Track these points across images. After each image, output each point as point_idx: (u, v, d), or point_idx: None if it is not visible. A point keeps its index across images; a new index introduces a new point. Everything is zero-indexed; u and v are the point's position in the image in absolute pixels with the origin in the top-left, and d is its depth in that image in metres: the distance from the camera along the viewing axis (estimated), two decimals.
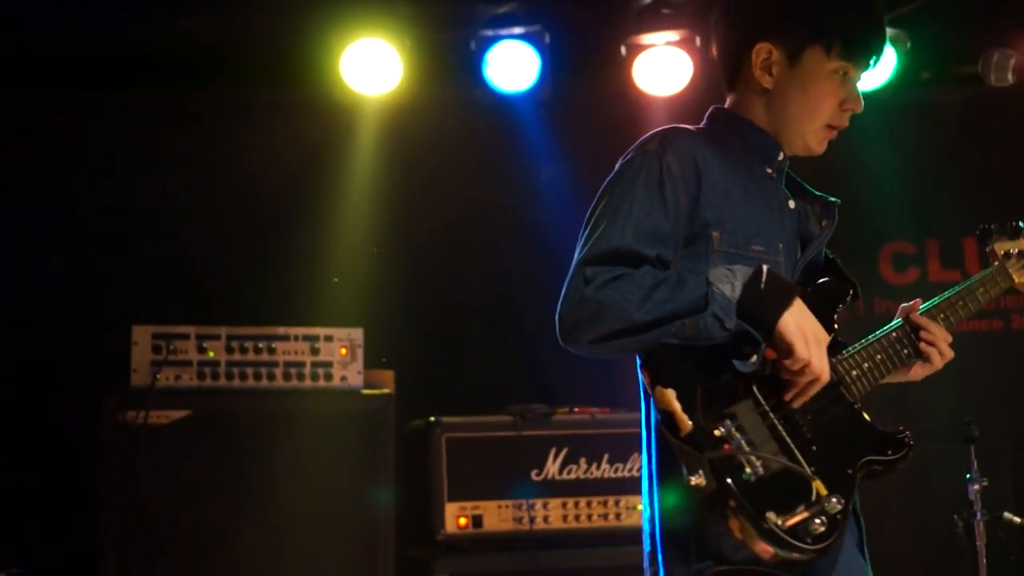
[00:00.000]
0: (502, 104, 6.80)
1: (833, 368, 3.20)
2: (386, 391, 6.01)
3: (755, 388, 3.14)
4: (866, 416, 3.29)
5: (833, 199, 3.48)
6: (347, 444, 5.86)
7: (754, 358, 3.08)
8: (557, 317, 3.13)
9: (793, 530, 2.96)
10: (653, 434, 3.15)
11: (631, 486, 6.08)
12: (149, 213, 6.72)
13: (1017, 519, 5.65)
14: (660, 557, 3.16)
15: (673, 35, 6.62)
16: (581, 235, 3.22)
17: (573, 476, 6.06)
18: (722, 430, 3.03)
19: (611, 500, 6.08)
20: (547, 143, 7.10)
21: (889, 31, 6.45)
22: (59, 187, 6.64)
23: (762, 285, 3.08)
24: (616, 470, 6.10)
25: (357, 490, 5.84)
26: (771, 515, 2.95)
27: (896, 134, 7.05)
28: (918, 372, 3.50)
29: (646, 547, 3.24)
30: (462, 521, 5.92)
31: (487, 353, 7.11)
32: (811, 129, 3.38)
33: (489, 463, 6.00)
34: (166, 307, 6.18)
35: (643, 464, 3.24)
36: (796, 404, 3.15)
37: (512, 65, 6.61)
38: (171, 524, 5.62)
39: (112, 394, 5.67)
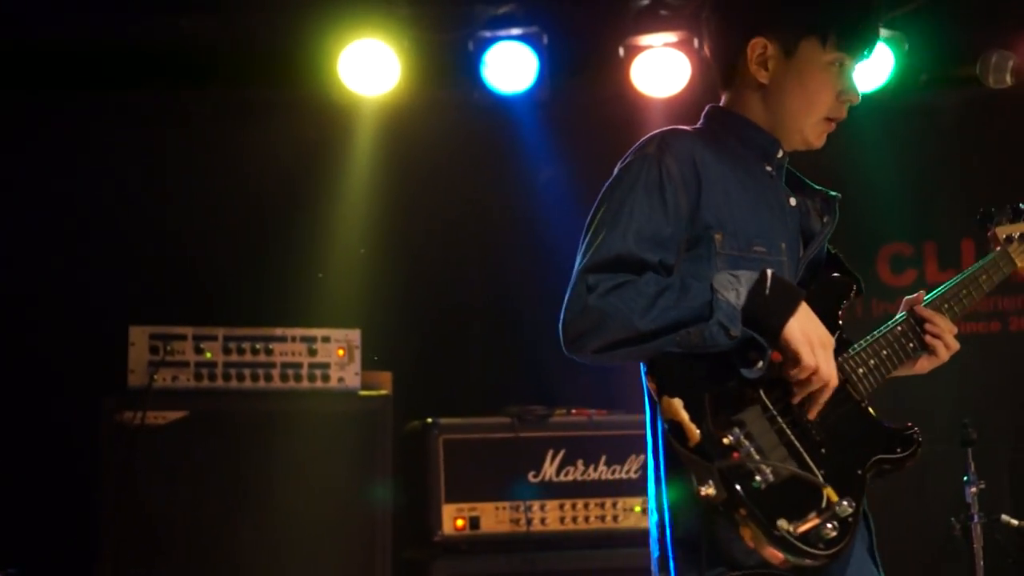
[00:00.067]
0: (500, 105, 6.80)
1: (839, 367, 3.18)
2: (383, 392, 6.00)
3: (762, 392, 3.11)
4: (874, 414, 3.27)
5: (833, 193, 3.45)
6: (344, 445, 5.85)
7: (760, 364, 3.05)
8: (560, 326, 3.10)
9: (805, 536, 2.94)
10: (660, 440, 3.12)
11: (628, 488, 6.08)
12: (147, 213, 6.72)
13: (1014, 521, 5.64)
14: (672, 563, 3.14)
15: (671, 36, 6.62)
16: (581, 242, 3.19)
17: (570, 478, 6.06)
18: (731, 438, 3.00)
19: (608, 502, 6.07)
20: (545, 144, 7.10)
21: (887, 32, 6.50)
22: (56, 187, 6.64)
23: (767, 291, 3.05)
24: (613, 472, 6.09)
25: (354, 491, 5.83)
26: (782, 522, 2.92)
27: (894, 136, 7.05)
28: (924, 365, 3.46)
29: (654, 552, 3.22)
30: (459, 522, 5.91)
31: (485, 354, 7.11)
32: (810, 123, 3.35)
33: (486, 464, 5.99)
34: (163, 308, 6.18)
35: (649, 468, 3.22)
36: (811, 415, 3.12)
37: (510, 66, 6.60)
38: (168, 525, 5.62)
39: (109, 395, 5.66)
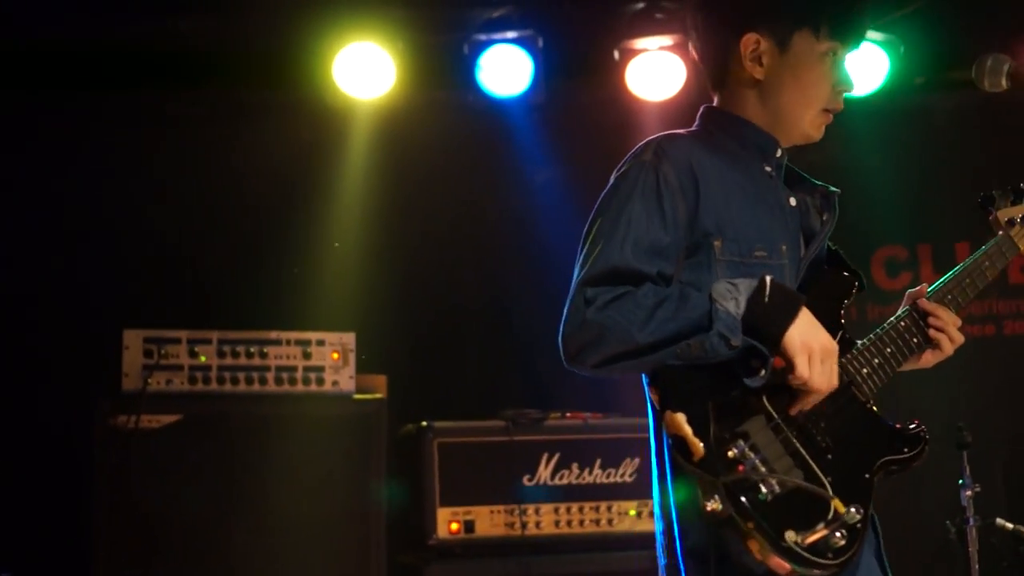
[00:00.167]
0: (495, 108, 6.80)
1: (843, 368, 3.16)
2: (378, 396, 6.00)
3: (766, 400, 3.08)
4: (879, 414, 3.25)
5: (833, 189, 3.42)
6: (339, 449, 5.84)
7: (763, 372, 3.03)
8: (560, 341, 3.08)
9: (814, 547, 2.92)
10: (666, 451, 3.08)
11: (623, 491, 6.07)
12: (141, 216, 6.70)
13: (1009, 525, 5.64)
14: (682, 572, 3.12)
15: (666, 40, 6.62)
16: (579, 253, 3.16)
17: (565, 481, 6.05)
18: (735, 451, 2.98)
19: (603, 505, 6.06)
20: (540, 147, 7.09)
21: (883, 36, 6.50)
22: (51, 188, 6.62)
23: (766, 298, 3.03)
24: (608, 475, 6.08)
25: (349, 495, 5.83)
26: (790, 534, 2.91)
27: (889, 139, 7.05)
28: (928, 359, 3.44)
29: (663, 560, 3.20)
30: (454, 526, 5.90)
31: (480, 358, 7.11)
32: (808, 116, 3.33)
33: (481, 468, 5.98)
34: (158, 311, 6.17)
35: (653, 475, 3.19)
36: (792, 412, 3.10)
37: (505, 69, 6.60)
38: (163, 529, 5.61)
39: (103, 398, 5.65)
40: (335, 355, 5.93)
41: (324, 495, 5.79)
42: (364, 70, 6.49)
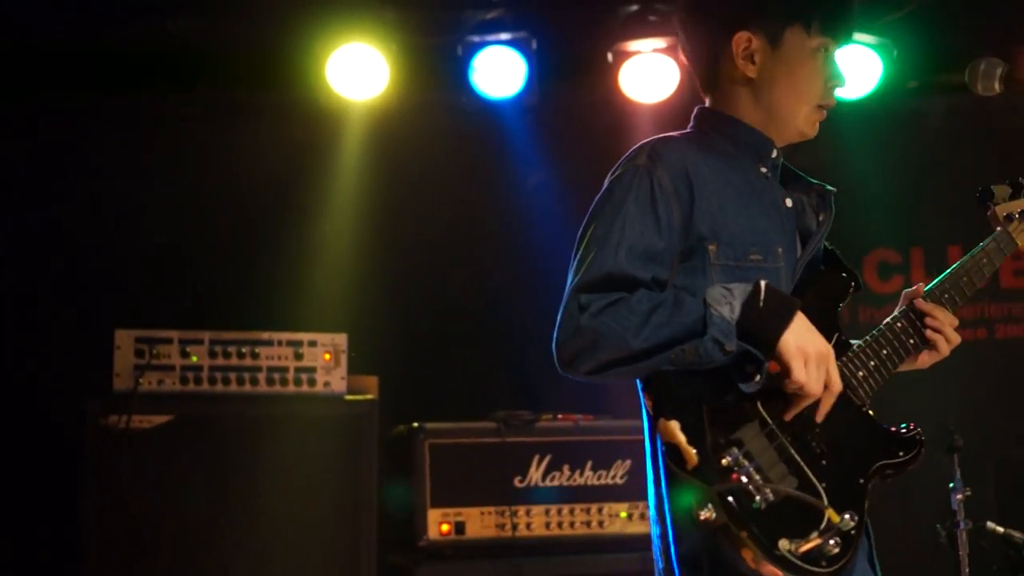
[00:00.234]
0: (488, 110, 6.80)
1: (838, 371, 3.14)
2: (370, 397, 5.99)
3: (760, 406, 3.07)
4: (875, 418, 3.24)
5: (830, 188, 3.40)
6: (330, 450, 5.84)
7: (758, 378, 3.02)
8: (554, 347, 3.07)
9: (807, 556, 2.92)
10: (660, 458, 3.07)
11: (614, 493, 6.07)
12: (133, 216, 6.70)
13: (1000, 529, 5.64)
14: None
15: (660, 42, 6.61)
16: (573, 258, 3.15)
17: (556, 483, 6.05)
18: (729, 459, 2.97)
19: (594, 507, 6.06)
20: (533, 149, 7.10)
21: (876, 39, 6.50)
22: (42, 189, 6.62)
23: (761, 303, 3.02)
24: (599, 477, 6.08)
25: (340, 496, 5.83)
26: (784, 542, 2.90)
27: (882, 143, 7.05)
28: (925, 360, 3.42)
29: (659, 563, 3.18)
30: (444, 527, 5.90)
31: (471, 359, 7.10)
32: (803, 112, 3.32)
33: (472, 469, 5.98)
34: (149, 311, 6.16)
35: (648, 479, 3.18)
36: (817, 418, 3.09)
37: (499, 71, 6.60)
38: (153, 529, 5.60)
39: (94, 398, 5.64)
40: (327, 356, 5.92)
41: (315, 496, 5.79)
42: (358, 71, 6.48)
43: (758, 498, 2.95)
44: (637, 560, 5.78)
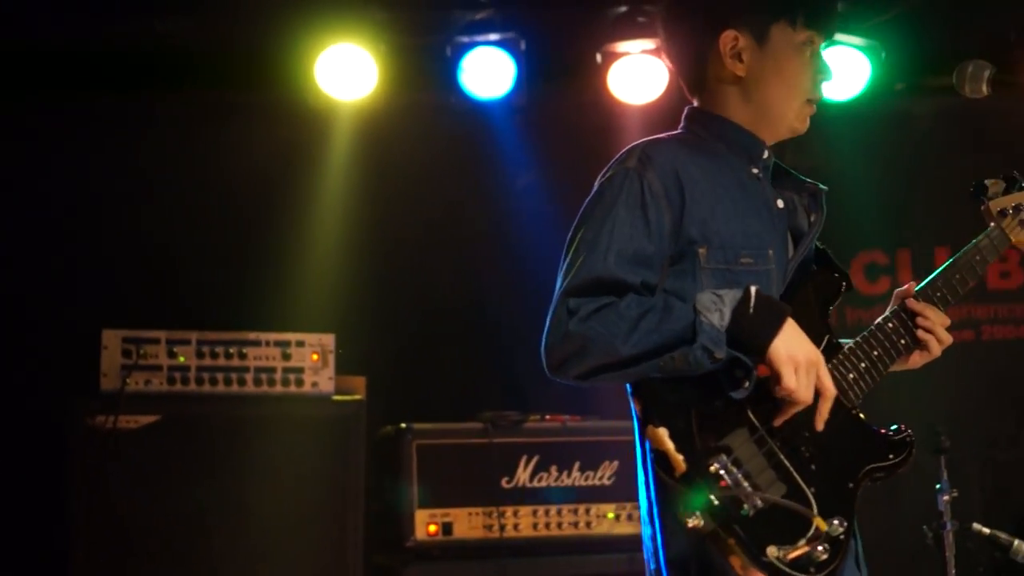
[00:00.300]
0: (477, 111, 6.79)
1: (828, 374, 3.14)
2: (357, 397, 5.99)
3: (749, 412, 3.07)
4: (865, 421, 3.23)
5: (822, 187, 3.40)
6: (318, 450, 5.84)
7: (747, 384, 3.02)
8: (543, 351, 3.07)
9: (795, 562, 2.92)
10: (650, 464, 3.07)
11: (602, 494, 6.07)
12: (120, 216, 6.68)
13: (986, 530, 5.64)
14: None
15: (649, 43, 6.60)
16: (563, 261, 3.14)
17: (544, 484, 6.05)
18: (717, 466, 2.97)
19: (582, 508, 6.06)
20: (522, 150, 7.09)
21: (863, 41, 6.51)
22: (30, 189, 6.60)
23: (751, 309, 3.01)
24: (587, 478, 6.09)
25: (327, 496, 5.82)
26: (772, 549, 2.90)
27: (869, 144, 7.06)
28: (916, 360, 3.40)
29: (650, 565, 3.18)
30: (432, 528, 5.90)
31: (459, 360, 7.09)
32: (793, 108, 3.31)
33: (460, 470, 5.98)
34: (136, 311, 6.15)
35: (639, 482, 3.18)
36: (817, 425, 3.09)
37: (487, 72, 6.59)
38: (141, 529, 5.59)
39: (82, 398, 5.63)
40: (315, 356, 5.92)
41: (302, 496, 5.78)
42: (346, 71, 6.47)
43: (746, 505, 2.94)
44: (625, 561, 5.80)
